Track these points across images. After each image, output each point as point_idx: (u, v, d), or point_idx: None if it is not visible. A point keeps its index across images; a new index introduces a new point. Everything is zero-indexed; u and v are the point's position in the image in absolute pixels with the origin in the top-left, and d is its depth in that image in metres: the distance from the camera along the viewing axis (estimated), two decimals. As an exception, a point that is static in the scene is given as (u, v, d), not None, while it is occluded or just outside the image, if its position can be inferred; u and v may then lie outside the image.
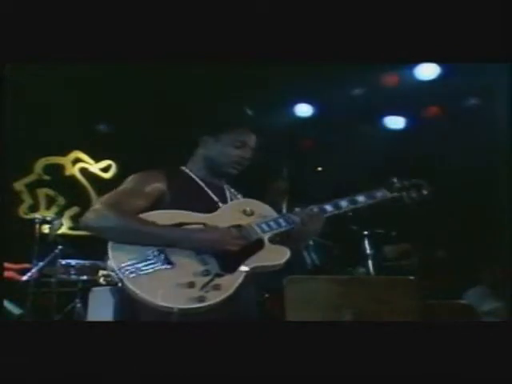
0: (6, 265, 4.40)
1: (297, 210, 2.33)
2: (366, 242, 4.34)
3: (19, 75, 3.81)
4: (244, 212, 2.31)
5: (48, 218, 5.19)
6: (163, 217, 2.18)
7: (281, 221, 2.29)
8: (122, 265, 2.05)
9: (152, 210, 2.21)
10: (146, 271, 2.05)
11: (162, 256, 2.09)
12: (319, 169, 4.55)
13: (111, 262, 2.08)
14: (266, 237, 2.23)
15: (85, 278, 4.80)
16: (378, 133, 6.08)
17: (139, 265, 2.06)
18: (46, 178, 6.45)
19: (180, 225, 2.17)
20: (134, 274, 2.03)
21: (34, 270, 4.75)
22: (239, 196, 2.49)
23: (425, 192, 2.55)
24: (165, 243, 2.10)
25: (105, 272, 4.42)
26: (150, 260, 2.08)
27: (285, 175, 4.17)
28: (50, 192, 6.44)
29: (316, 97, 5.90)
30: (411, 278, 2.51)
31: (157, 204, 2.24)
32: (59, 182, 6.44)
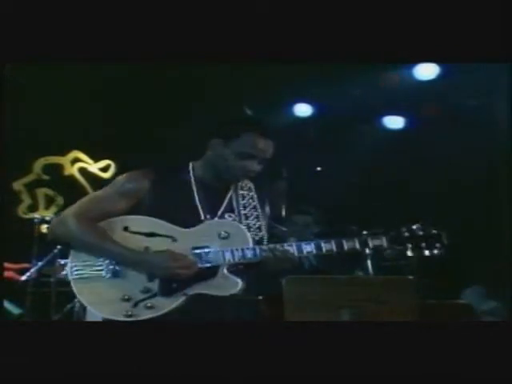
0: (6, 265, 4.39)
1: (271, 246, 2.22)
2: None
3: (19, 75, 3.82)
4: (219, 235, 2.22)
5: (47, 218, 5.17)
6: (137, 223, 2.22)
7: (247, 252, 2.20)
8: (74, 264, 2.18)
9: (130, 210, 2.23)
10: (91, 275, 2.16)
11: (111, 266, 2.16)
12: (319, 169, 4.55)
13: (69, 259, 2.20)
14: (224, 265, 2.18)
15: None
16: (377, 133, 6.08)
17: (88, 268, 2.16)
18: (45, 177, 6.44)
19: (151, 235, 2.20)
20: (79, 276, 2.16)
21: (33, 270, 4.74)
22: (247, 201, 2.37)
23: (439, 247, 2.22)
24: (116, 261, 2.16)
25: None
26: (99, 266, 2.17)
27: (284, 175, 4.17)
28: (49, 192, 6.43)
29: (316, 97, 5.89)
30: (410, 277, 2.51)
31: (137, 207, 2.24)
32: (58, 181, 6.43)
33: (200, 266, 2.17)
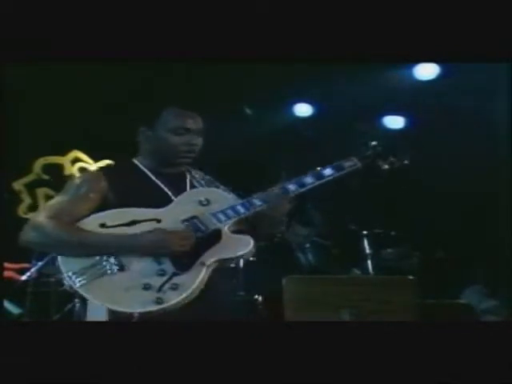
0: (6, 265, 4.39)
1: (258, 193, 2.20)
2: (365, 242, 4.33)
3: (19, 75, 3.81)
4: (199, 202, 2.18)
5: (47, 218, 5.18)
6: (113, 216, 2.11)
7: (239, 207, 2.16)
8: (72, 272, 2.01)
9: (98, 209, 2.14)
10: (96, 277, 1.99)
11: (112, 259, 2.03)
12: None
13: (61, 268, 2.03)
14: (224, 227, 2.12)
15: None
16: (377, 133, 6.08)
17: (89, 270, 2.00)
18: (45, 177, 6.44)
19: (132, 223, 2.09)
20: (84, 281, 1.99)
21: (33, 270, 4.73)
22: (205, 179, 2.35)
23: (405, 157, 2.38)
24: (109, 252, 2.03)
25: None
26: (99, 265, 2.02)
27: (284, 175, 4.17)
28: (50, 192, 6.42)
29: (316, 97, 5.89)
30: (410, 277, 2.51)
31: (102, 205, 2.15)
32: (58, 181, 6.43)
33: (199, 235, 2.09)
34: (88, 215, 2.12)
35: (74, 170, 6.57)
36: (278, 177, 4.11)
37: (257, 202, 2.18)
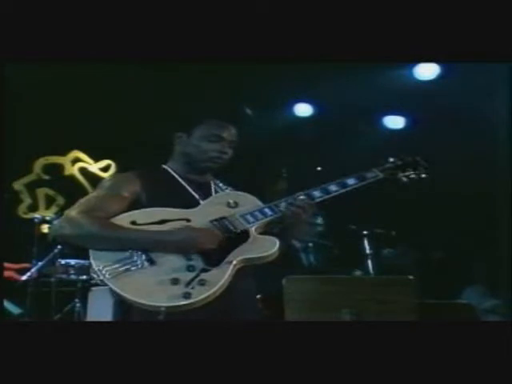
0: (6, 265, 4.40)
1: (282, 199, 2.28)
2: (366, 242, 4.33)
3: (19, 75, 3.82)
4: (228, 204, 2.26)
5: (47, 218, 5.19)
6: (144, 215, 2.16)
7: (266, 210, 2.25)
8: (103, 265, 2.03)
9: (130, 209, 2.18)
10: (127, 271, 2.02)
11: (143, 254, 2.06)
12: (319, 169, 4.55)
13: (92, 263, 2.06)
14: (252, 228, 2.19)
15: (84, 277, 4.80)
16: (377, 133, 6.09)
17: (120, 264, 2.03)
18: (46, 177, 6.45)
19: (162, 222, 2.14)
20: (114, 274, 2.01)
21: (33, 270, 4.74)
22: (228, 190, 2.44)
23: (422, 171, 2.48)
24: (141, 248, 2.07)
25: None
26: (130, 259, 2.05)
27: (284, 175, 4.17)
28: (50, 192, 6.44)
29: (316, 97, 5.89)
30: (410, 277, 2.51)
31: (133, 206, 2.21)
32: (59, 181, 6.45)
33: (227, 235, 2.15)
34: (114, 217, 2.16)
35: (74, 169, 6.58)
36: (277, 177, 4.12)
37: (283, 205, 2.26)
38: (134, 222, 2.14)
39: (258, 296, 3.50)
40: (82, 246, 2.13)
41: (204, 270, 2.05)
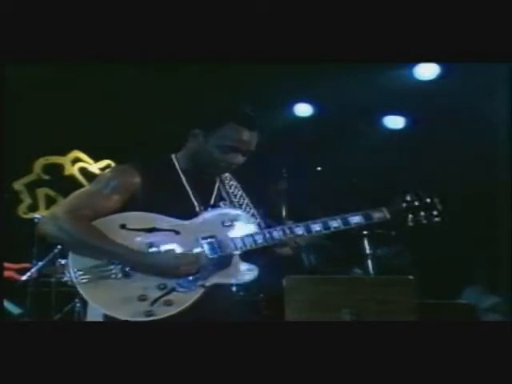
0: (6, 264, 4.39)
1: (278, 227, 2.24)
2: (365, 242, 4.33)
3: (19, 75, 3.82)
4: (222, 223, 2.21)
5: (47, 218, 5.18)
6: (135, 219, 2.13)
7: (257, 238, 2.20)
8: (78, 268, 2.03)
9: (124, 206, 2.15)
10: (100, 278, 2.03)
11: (120, 266, 2.06)
12: (319, 169, 4.55)
13: (69, 262, 2.06)
14: (237, 253, 2.17)
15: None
16: (377, 133, 6.08)
17: (96, 271, 2.04)
18: (46, 177, 6.44)
19: (151, 230, 2.12)
20: (86, 280, 2.02)
21: (33, 270, 4.74)
22: (236, 191, 2.39)
23: (436, 215, 2.33)
24: (119, 261, 2.06)
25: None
26: (107, 267, 2.05)
27: (285, 175, 4.17)
28: (50, 192, 6.43)
29: (316, 97, 5.89)
30: (410, 277, 2.51)
31: (130, 201, 2.17)
32: (59, 181, 6.44)
33: (212, 256, 2.13)
34: (114, 211, 2.13)
35: (74, 169, 6.57)
36: (278, 176, 4.12)
37: (276, 236, 2.22)
38: (123, 226, 2.10)
39: (259, 296, 3.51)
40: (61, 245, 2.12)
41: (173, 290, 2.06)
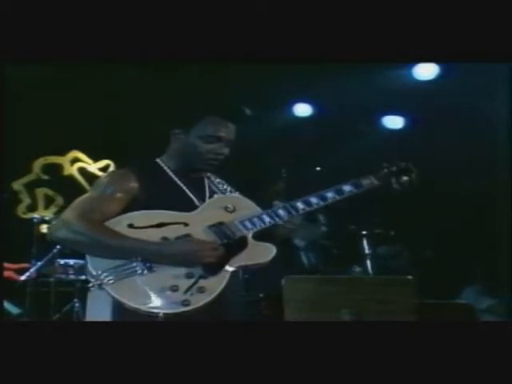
0: (5, 265, 4.39)
1: (279, 203, 2.26)
2: (365, 242, 4.34)
3: (19, 75, 3.82)
4: (226, 209, 2.23)
5: (47, 218, 5.19)
6: (142, 218, 2.13)
7: (265, 217, 2.23)
8: (101, 270, 2.01)
9: (127, 211, 2.15)
10: (125, 276, 2.01)
11: (141, 262, 2.04)
12: (318, 169, 4.55)
13: (90, 267, 2.04)
14: (249, 234, 2.18)
15: (83, 277, 4.79)
16: (377, 133, 6.09)
17: (119, 270, 2.02)
18: (45, 177, 6.45)
19: (160, 225, 2.11)
20: (112, 280, 2.00)
21: (32, 270, 4.74)
22: (224, 186, 2.41)
23: (414, 177, 2.47)
24: (138, 257, 2.04)
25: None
26: (130, 265, 2.03)
27: (284, 175, 4.17)
28: (49, 192, 6.43)
29: (316, 97, 5.89)
30: (410, 277, 2.51)
31: (131, 204, 2.17)
32: (58, 181, 6.44)
33: (225, 241, 2.13)
34: (117, 214, 2.13)
35: (74, 169, 6.58)
36: (277, 176, 4.11)
37: (281, 213, 2.24)
38: (131, 225, 2.10)
39: (259, 295, 3.51)
40: (78, 251, 2.12)
41: (202, 277, 2.04)
